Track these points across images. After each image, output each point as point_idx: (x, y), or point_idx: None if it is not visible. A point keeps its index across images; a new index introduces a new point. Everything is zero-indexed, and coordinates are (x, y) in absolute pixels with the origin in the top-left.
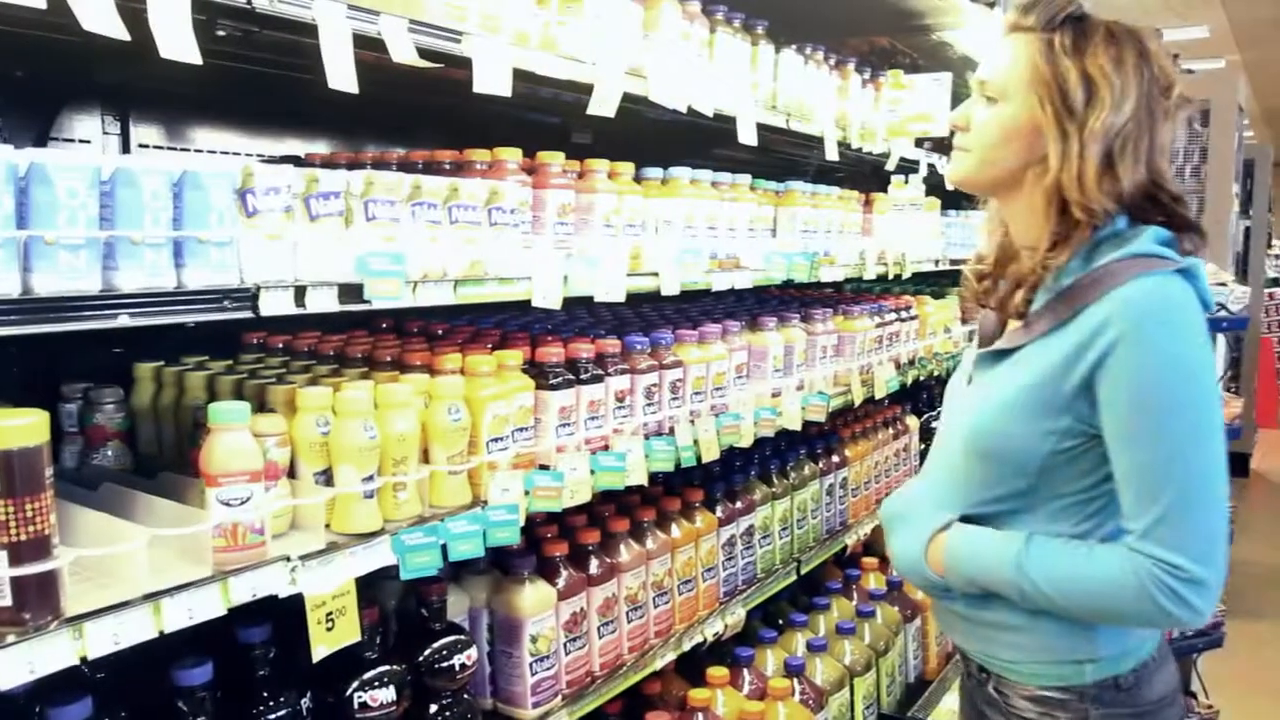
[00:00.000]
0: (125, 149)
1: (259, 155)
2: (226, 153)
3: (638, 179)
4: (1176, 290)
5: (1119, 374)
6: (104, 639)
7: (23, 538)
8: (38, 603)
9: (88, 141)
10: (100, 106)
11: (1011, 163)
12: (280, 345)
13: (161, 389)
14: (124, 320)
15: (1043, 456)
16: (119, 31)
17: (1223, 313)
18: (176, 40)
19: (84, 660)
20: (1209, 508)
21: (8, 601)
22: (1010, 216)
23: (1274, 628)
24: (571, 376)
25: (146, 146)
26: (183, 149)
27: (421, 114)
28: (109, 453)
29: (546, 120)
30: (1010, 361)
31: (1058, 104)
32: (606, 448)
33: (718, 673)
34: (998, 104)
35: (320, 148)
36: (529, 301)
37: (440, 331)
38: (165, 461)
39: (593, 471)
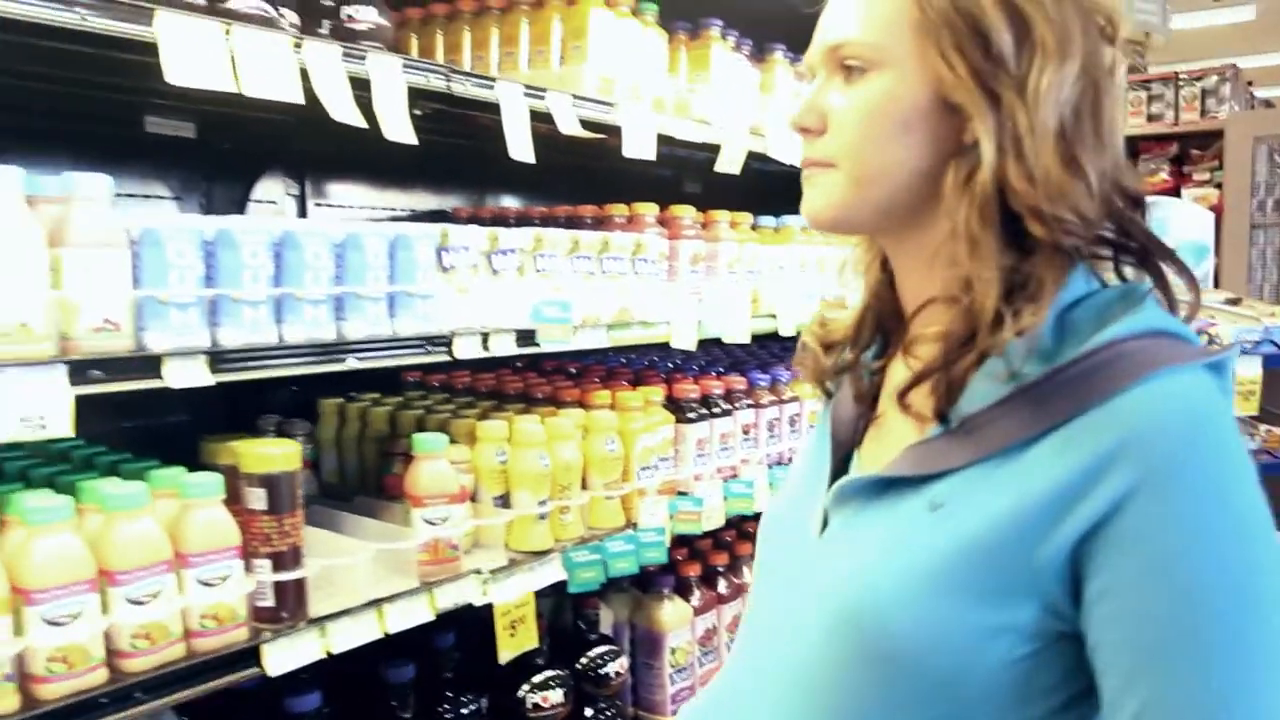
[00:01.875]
0: (302, 209)
1: (403, 210)
2: (368, 208)
3: (754, 227)
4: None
5: (1140, 548)
6: (343, 637)
7: (283, 548)
8: (292, 605)
9: (274, 202)
10: (284, 172)
11: (912, 165)
12: (436, 384)
13: (345, 422)
14: (352, 363)
15: (987, 671)
16: (360, 121)
17: None
18: (397, 125)
19: (328, 654)
20: None
21: (270, 603)
22: (909, 262)
23: None
24: (705, 411)
25: (320, 205)
26: (334, 206)
27: (547, 169)
28: None
29: (660, 172)
30: (920, 497)
31: (976, 53)
32: (735, 476)
33: None
34: (868, 75)
35: (455, 202)
36: (655, 341)
37: (574, 370)
38: (349, 487)
39: (725, 498)
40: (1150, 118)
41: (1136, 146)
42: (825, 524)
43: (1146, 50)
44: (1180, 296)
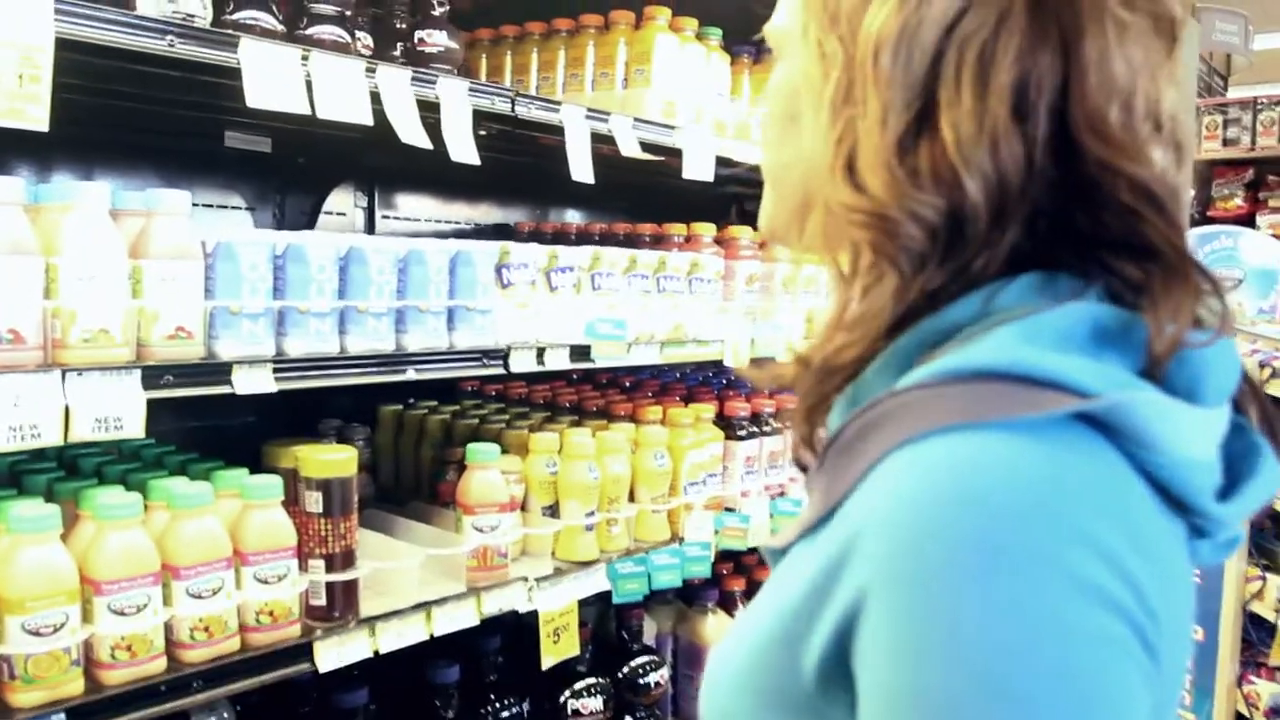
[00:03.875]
0: (370, 221)
1: (467, 223)
2: (434, 220)
3: None
4: (1025, 478)
5: (866, 680)
6: (391, 637)
7: (336, 550)
8: (344, 604)
9: (344, 214)
10: (354, 185)
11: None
12: (492, 393)
13: (402, 429)
14: (411, 374)
15: None
16: (426, 143)
17: None
18: (462, 147)
19: (376, 653)
20: None
21: (322, 602)
22: None
23: None
24: (755, 429)
25: (387, 217)
26: (401, 218)
27: (609, 185)
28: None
29: (721, 191)
30: (773, 577)
31: (821, 18)
32: (783, 494)
33: None
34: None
35: (518, 216)
36: (709, 359)
37: (628, 384)
38: (404, 492)
39: (772, 515)
40: (1226, 142)
41: (1211, 171)
42: None
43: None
44: (1163, 323)
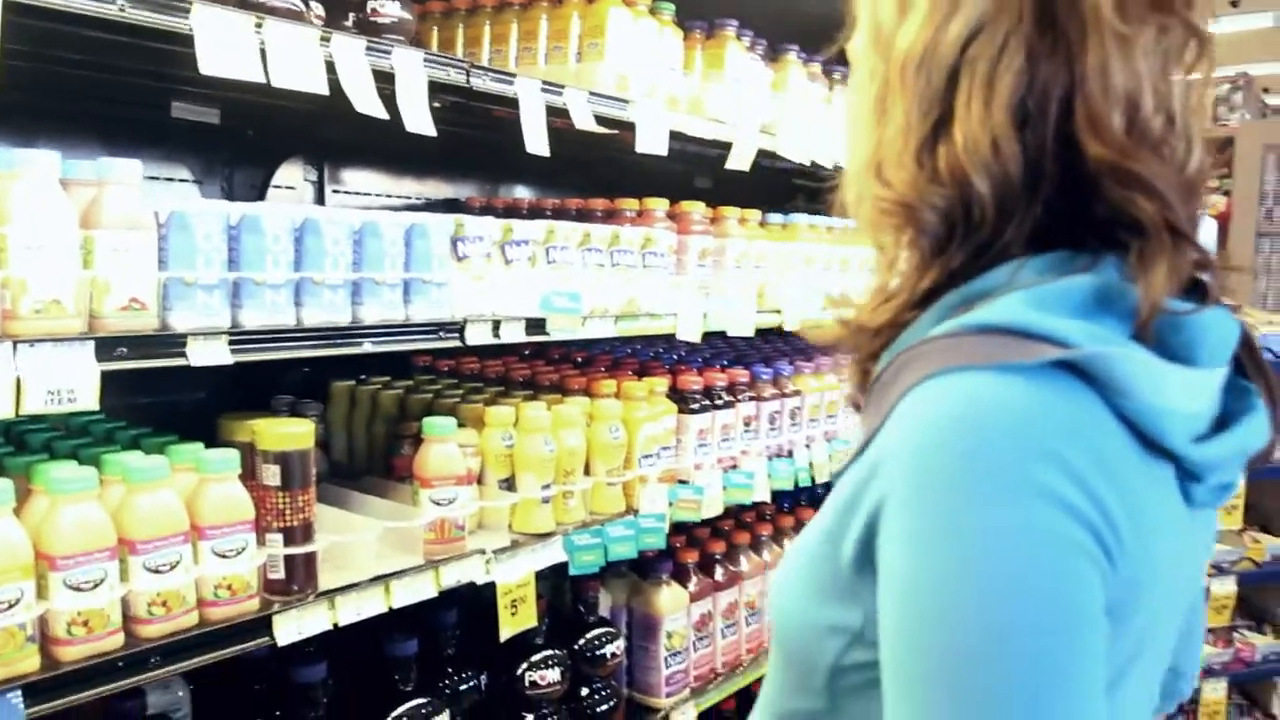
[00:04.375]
0: (320, 195)
1: (418, 198)
2: (384, 195)
3: (762, 223)
4: (1010, 408)
5: (884, 559)
6: (350, 610)
7: (294, 524)
8: (303, 578)
9: (293, 188)
10: (303, 159)
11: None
12: (445, 369)
13: (356, 405)
14: (367, 347)
15: (827, 669)
16: (381, 113)
17: None
18: (417, 118)
19: (335, 626)
20: None
21: (280, 575)
22: None
23: None
24: (708, 402)
25: (338, 192)
26: (351, 192)
27: (560, 161)
28: None
29: (672, 167)
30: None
31: (872, 39)
32: (735, 467)
33: None
34: None
35: (469, 191)
36: (661, 333)
37: (580, 358)
38: (358, 467)
39: (724, 488)
40: None
41: None
42: None
43: None
44: (1149, 290)
